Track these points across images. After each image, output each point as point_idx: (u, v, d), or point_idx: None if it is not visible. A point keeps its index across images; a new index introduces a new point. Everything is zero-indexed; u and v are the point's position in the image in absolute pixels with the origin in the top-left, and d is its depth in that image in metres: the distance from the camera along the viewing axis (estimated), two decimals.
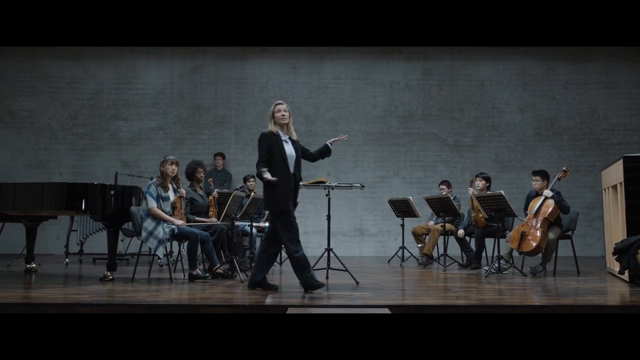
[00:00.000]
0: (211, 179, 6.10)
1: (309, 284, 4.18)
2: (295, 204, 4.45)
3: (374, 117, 9.29)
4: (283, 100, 4.50)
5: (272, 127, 4.35)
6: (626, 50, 9.12)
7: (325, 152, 4.66)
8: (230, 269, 5.22)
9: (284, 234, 4.23)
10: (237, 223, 5.99)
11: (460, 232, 6.61)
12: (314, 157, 4.66)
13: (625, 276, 4.95)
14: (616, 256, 5.02)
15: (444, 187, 7.20)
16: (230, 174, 8.79)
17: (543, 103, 9.29)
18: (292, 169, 4.33)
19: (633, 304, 3.88)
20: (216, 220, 5.51)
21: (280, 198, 4.22)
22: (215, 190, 5.91)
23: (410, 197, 7.07)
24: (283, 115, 4.35)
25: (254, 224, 6.52)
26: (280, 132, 4.37)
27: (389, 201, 7.40)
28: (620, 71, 9.25)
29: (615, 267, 5.25)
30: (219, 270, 5.11)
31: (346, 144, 9.14)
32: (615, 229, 5.56)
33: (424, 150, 9.23)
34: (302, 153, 4.54)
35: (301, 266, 4.22)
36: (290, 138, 4.43)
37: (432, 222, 7.13)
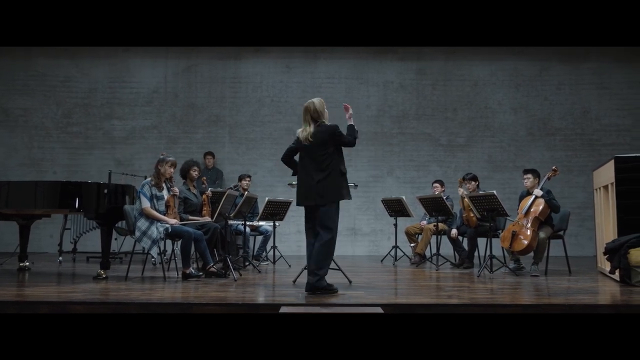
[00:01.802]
0: (205, 178, 6.11)
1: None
2: None
3: (367, 117, 9.31)
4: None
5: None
6: (618, 52, 9.19)
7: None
8: (224, 268, 5.23)
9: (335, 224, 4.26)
10: (230, 222, 6.00)
11: (454, 232, 6.65)
12: None
13: (616, 276, 5.00)
14: (607, 256, 5.08)
15: (437, 185, 7.24)
16: (222, 172, 8.79)
17: (536, 103, 9.35)
18: None
19: (624, 303, 3.92)
20: (210, 219, 5.52)
21: (346, 188, 4.34)
22: (209, 189, 5.93)
23: (404, 197, 7.10)
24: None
25: (248, 222, 6.55)
26: None
27: (382, 201, 7.44)
28: (613, 72, 9.32)
29: (607, 266, 5.31)
30: (213, 269, 5.12)
31: None
32: (607, 229, 5.61)
33: (417, 150, 9.26)
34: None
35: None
36: None
37: (425, 222, 7.17)
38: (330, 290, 4.20)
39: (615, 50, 9.18)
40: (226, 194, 5.42)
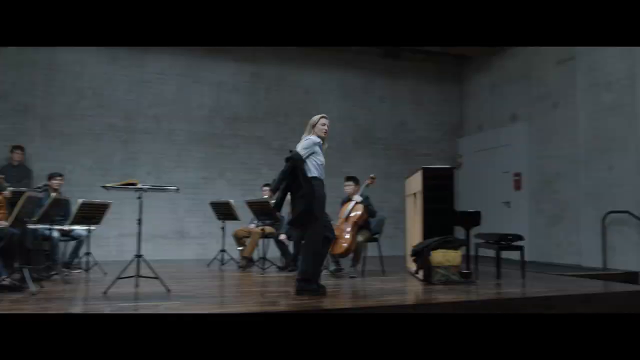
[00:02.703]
0: (2, 176, 5.31)
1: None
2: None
3: (199, 117, 9.05)
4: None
5: (314, 136, 4.81)
6: (430, 73, 10.27)
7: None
8: (20, 281, 4.58)
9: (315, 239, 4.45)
10: (35, 227, 5.31)
11: (282, 236, 6.74)
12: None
13: (420, 275, 5.51)
14: (414, 257, 5.57)
15: (266, 189, 7.29)
16: (31, 170, 7.78)
17: (361, 114, 9.98)
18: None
19: (424, 302, 4.33)
20: (5, 223, 4.81)
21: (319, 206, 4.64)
22: (8, 188, 5.18)
23: (232, 200, 7.01)
24: (326, 131, 4.90)
25: (58, 227, 5.87)
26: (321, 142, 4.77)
27: (210, 204, 7.26)
28: (426, 90, 10.39)
29: (413, 267, 5.82)
30: (4, 282, 4.45)
31: (169, 143, 8.75)
32: (415, 232, 6.16)
33: (249, 152, 9.25)
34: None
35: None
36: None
37: (253, 225, 7.17)
38: (316, 292, 4.34)
39: (428, 71, 10.26)
40: (25, 196, 4.75)
